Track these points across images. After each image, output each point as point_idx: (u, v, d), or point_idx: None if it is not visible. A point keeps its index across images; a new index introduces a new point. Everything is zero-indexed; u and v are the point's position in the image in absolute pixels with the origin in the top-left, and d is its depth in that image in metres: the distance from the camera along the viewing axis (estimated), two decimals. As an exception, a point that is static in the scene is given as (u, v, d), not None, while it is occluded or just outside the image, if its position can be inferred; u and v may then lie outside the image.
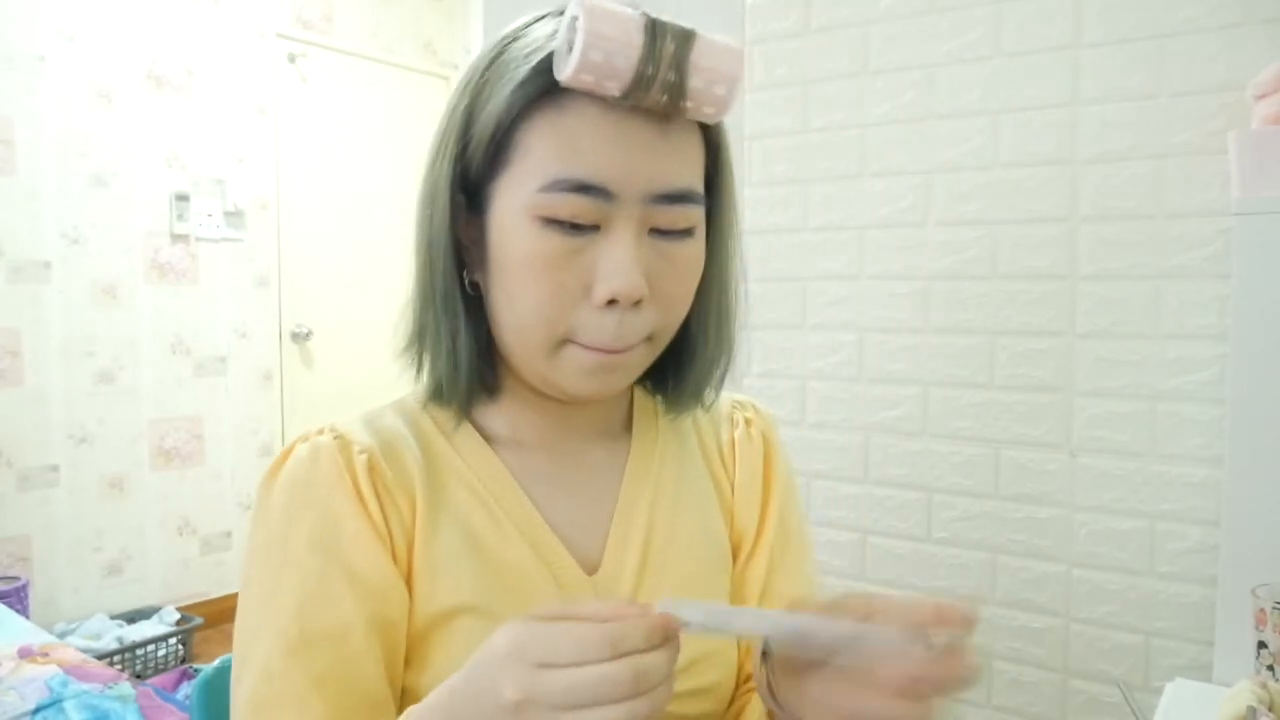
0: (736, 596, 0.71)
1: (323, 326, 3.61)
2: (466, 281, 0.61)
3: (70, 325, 2.91)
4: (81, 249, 2.93)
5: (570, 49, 0.52)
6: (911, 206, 1.63)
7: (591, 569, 0.64)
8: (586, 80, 0.52)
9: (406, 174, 3.76)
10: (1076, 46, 1.47)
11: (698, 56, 0.53)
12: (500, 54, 0.58)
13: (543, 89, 0.55)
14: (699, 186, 0.59)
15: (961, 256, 1.59)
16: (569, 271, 0.55)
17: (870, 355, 1.69)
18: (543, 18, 0.58)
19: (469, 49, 4.04)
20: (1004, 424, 1.56)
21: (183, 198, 3.15)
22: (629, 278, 0.55)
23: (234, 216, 3.31)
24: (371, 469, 0.60)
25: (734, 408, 0.76)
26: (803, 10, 1.73)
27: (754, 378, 1.81)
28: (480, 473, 0.64)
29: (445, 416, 0.65)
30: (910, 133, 1.63)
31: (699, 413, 0.73)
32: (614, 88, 0.53)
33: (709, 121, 0.58)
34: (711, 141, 0.61)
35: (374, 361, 3.53)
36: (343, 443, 0.61)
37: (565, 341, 0.57)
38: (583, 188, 0.54)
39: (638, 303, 0.56)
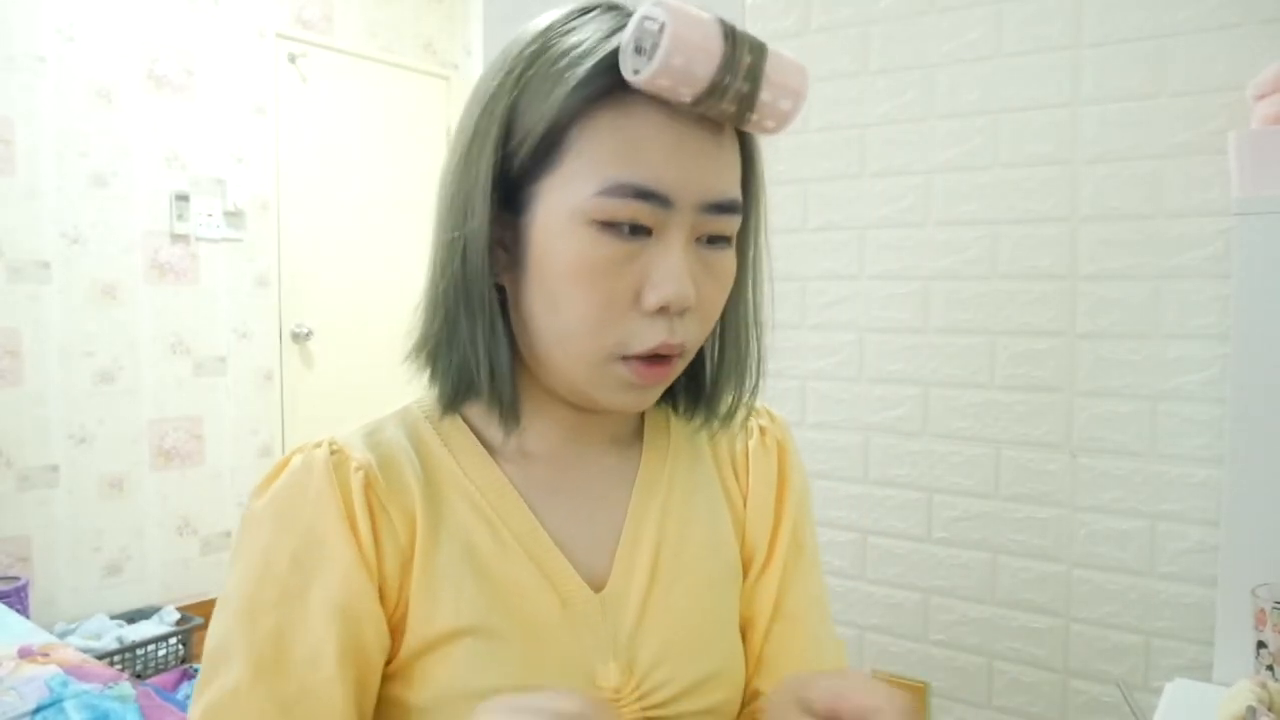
0: (747, 611, 0.69)
1: (323, 326, 3.61)
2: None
3: (70, 325, 2.91)
4: (81, 249, 2.93)
5: (640, 50, 0.51)
6: (911, 206, 1.63)
7: (598, 585, 0.62)
8: (662, 84, 0.51)
9: (406, 174, 3.74)
10: (1076, 46, 1.47)
11: (770, 70, 0.53)
12: (545, 49, 0.55)
13: (605, 89, 0.53)
14: (741, 196, 0.59)
15: (961, 256, 1.59)
16: (620, 279, 0.54)
17: (870, 355, 1.69)
18: (589, 11, 0.57)
19: (469, 49, 4.04)
20: (1004, 424, 1.56)
21: (182, 198, 3.15)
22: (681, 284, 0.54)
23: (234, 216, 3.31)
24: (368, 487, 0.58)
25: (749, 415, 0.73)
26: (803, 10, 1.73)
27: (754, 378, 1.81)
28: (483, 486, 0.62)
29: (448, 426, 0.63)
30: (910, 133, 1.63)
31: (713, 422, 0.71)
32: (687, 94, 0.52)
33: (766, 134, 0.57)
34: (747, 152, 0.60)
35: (374, 361, 3.54)
36: (339, 459, 0.59)
37: (613, 358, 0.56)
38: (644, 194, 0.53)
39: (683, 312, 0.56)
